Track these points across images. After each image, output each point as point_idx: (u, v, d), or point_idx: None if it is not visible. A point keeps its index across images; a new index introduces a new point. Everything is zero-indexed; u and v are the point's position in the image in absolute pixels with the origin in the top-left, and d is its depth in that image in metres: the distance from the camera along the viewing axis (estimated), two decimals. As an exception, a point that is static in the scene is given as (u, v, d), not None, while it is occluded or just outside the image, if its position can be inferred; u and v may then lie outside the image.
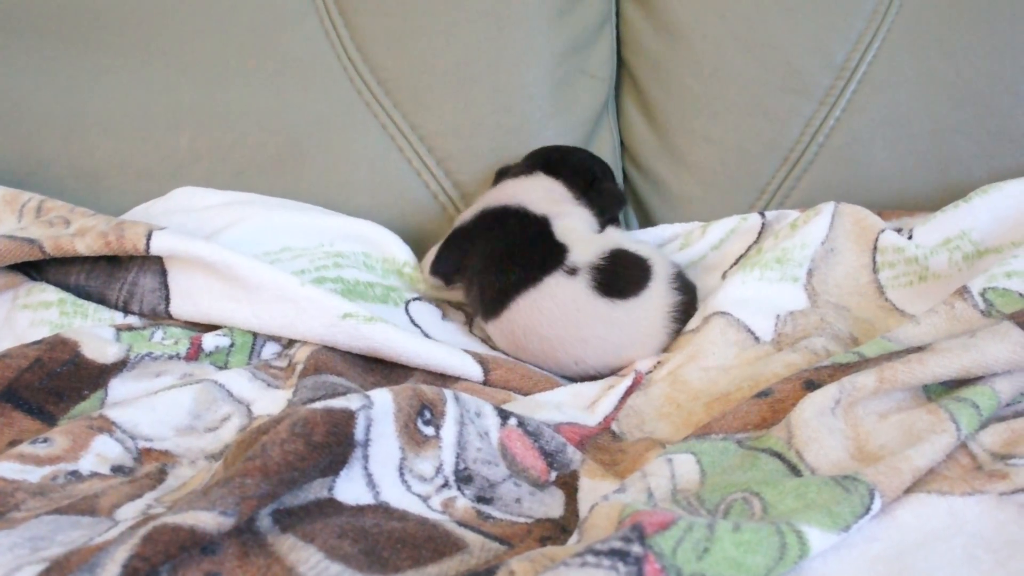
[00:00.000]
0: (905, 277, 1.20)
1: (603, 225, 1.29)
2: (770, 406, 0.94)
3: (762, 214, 1.33)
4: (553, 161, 1.34)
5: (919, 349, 0.94)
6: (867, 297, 1.19)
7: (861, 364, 0.96)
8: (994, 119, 1.35)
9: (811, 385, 0.95)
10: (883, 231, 1.23)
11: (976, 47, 1.36)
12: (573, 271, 1.16)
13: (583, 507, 0.90)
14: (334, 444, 0.83)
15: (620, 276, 1.17)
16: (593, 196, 1.31)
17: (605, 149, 1.51)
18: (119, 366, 1.07)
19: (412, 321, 1.26)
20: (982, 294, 1.05)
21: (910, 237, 1.23)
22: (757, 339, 1.13)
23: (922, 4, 1.38)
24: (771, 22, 1.42)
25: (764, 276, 1.19)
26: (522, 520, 0.88)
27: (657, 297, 1.17)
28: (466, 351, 1.15)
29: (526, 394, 1.12)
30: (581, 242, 1.20)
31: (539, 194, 1.28)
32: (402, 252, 1.35)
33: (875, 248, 1.22)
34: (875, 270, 1.21)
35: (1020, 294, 1.04)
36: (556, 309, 1.15)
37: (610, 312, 1.15)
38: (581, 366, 1.17)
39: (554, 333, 1.15)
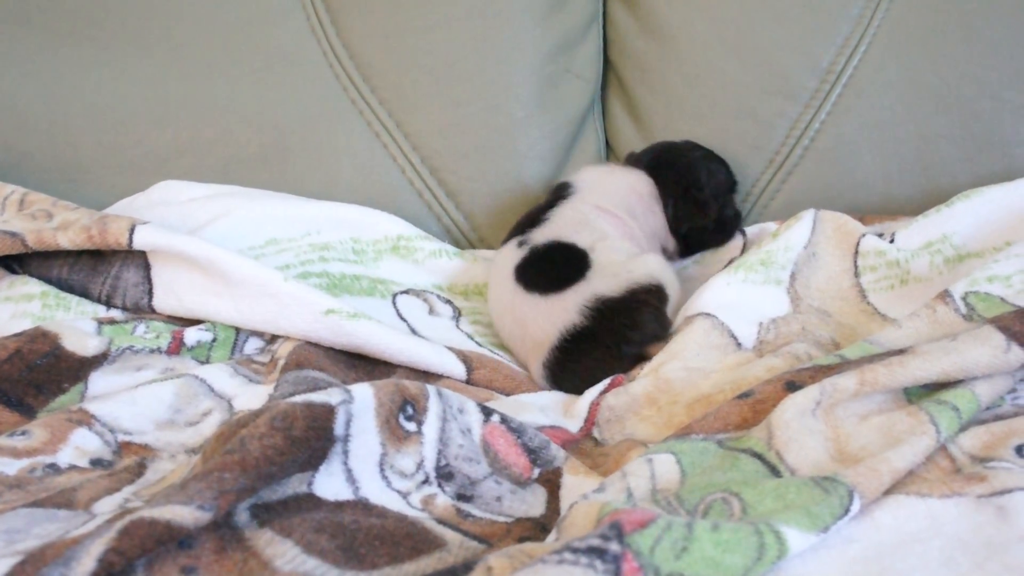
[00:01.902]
0: (886, 281, 1.20)
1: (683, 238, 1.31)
2: (751, 407, 0.94)
3: (743, 232, 1.35)
4: (661, 158, 1.35)
5: (900, 352, 0.94)
6: (849, 301, 1.19)
7: (843, 366, 0.97)
8: (978, 124, 1.36)
9: (792, 386, 0.95)
10: (864, 235, 1.23)
11: (960, 53, 1.36)
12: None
13: (565, 505, 0.90)
14: (313, 439, 0.83)
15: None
16: (680, 204, 1.31)
17: (590, 149, 1.51)
18: (100, 359, 1.07)
19: (399, 315, 1.26)
20: (964, 298, 1.05)
21: (892, 241, 1.23)
22: (739, 345, 1.13)
23: (907, 10, 1.39)
24: (757, 25, 1.42)
25: (748, 278, 1.19)
26: (502, 519, 0.88)
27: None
28: (450, 349, 1.14)
29: (509, 394, 1.12)
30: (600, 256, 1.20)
31: (610, 188, 1.30)
32: (395, 226, 1.35)
33: (856, 252, 1.22)
34: (856, 274, 1.21)
35: (1002, 298, 1.05)
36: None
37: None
38: None
39: None
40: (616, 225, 1.26)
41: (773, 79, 1.42)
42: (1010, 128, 1.35)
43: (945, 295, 1.06)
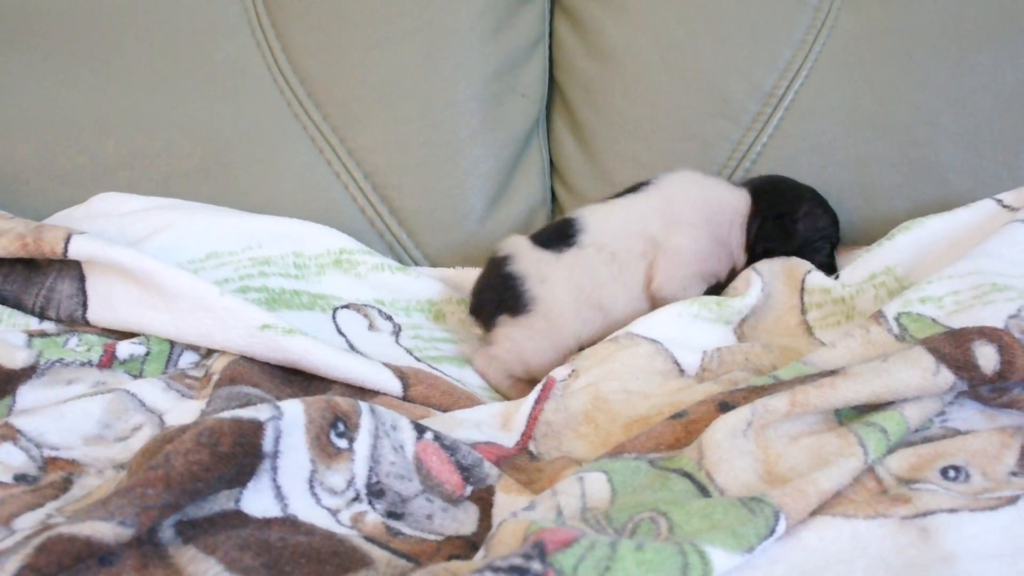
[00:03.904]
0: (833, 317, 1.21)
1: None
2: (684, 427, 0.94)
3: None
4: (769, 182, 1.35)
5: (833, 373, 0.95)
6: (797, 338, 1.20)
7: (776, 386, 0.97)
8: (916, 150, 1.38)
9: (726, 407, 0.95)
10: (809, 272, 1.24)
11: (899, 80, 1.38)
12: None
13: (496, 523, 0.90)
14: (241, 455, 0.82)
15: None
16: (767, 225, 1.31)
17: (534, 168, 1.52)
18: (28, 372, 1.06)
19: (338, 329, 1.25)
20: (897, 319, 1.06)
21: (837, 276, 1.24)
22: (682, 371, 1.13)
23: (849, 36, 1.41)
24: (702, 48, 1.43)
25: (700, 314, 1.19)
26: (432, 537, 0.87)
27: None
28: (387, 365, 1.14)
29: (445, 410, 1.11)
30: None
31: (694, 192, 1.31)
32: (336, 240, 1.34)
33: (803, 289, 1.23)
34: (803, 311, 1.22)
35: (933, 319, 1.06)
36: None
37: None
38: None
39: None
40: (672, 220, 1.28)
41: (716, 102, 1.43)
42: (946, 154, 1.37)
43: (879, 316, 1.07)
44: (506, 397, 1.23)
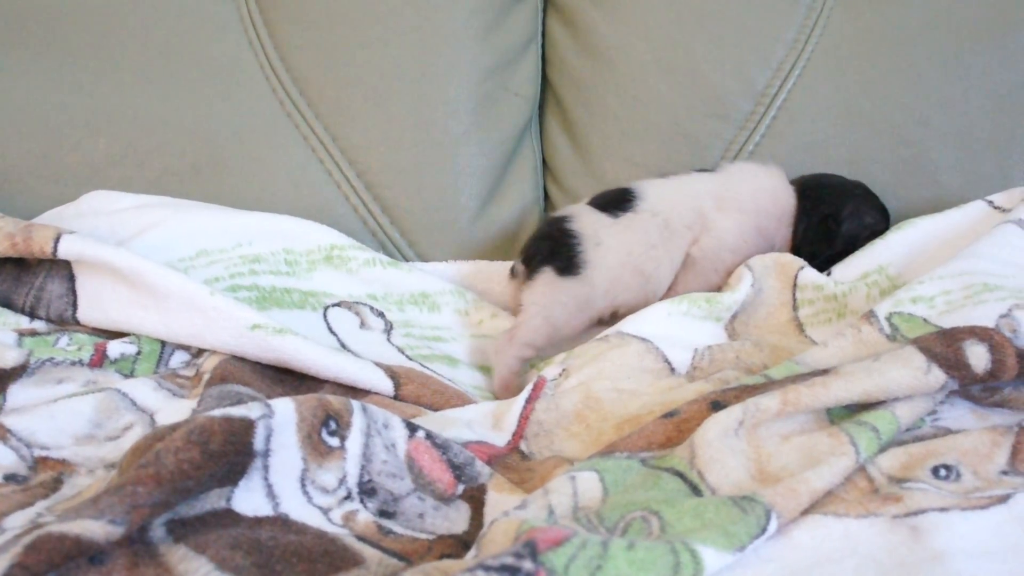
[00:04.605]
0: (824, 314, 1.21)
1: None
2: (676, 426, 0.94)
3: None
4: (817, 181, 1.36)
5: (824, 372, 0.95)
6: (787, 335, 1.20)
7: (768, 386, 0.97)
8: (907, 149, 1.38)
9: (717, 406, 0.95)
10: (802, 268, 1.24)
11: (891, 79, 1.39)
12: None
13: (489, 522, 0.90)
14: (232, 453, 0.82)
15: None
16: (811, 229, 1.31)
17: (527, 167, 1.51)
18: (19, 371, 1.05)
19: (329, 328, 1.25)
20: (888, 318, 1.06)
21: (829, 273, 1.24)
22: (673, 370, 1.13)
23: (841, 35, 1.41)
24: (694, 47, 1.43)
25: (690, 311, 1.20)
26: (423, 536, 0.87)
27: None
28: (378, 364, 1.14)
29: (437, 410, 1.11)
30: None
31: (750, 182, 1.33)
32: (327, 236, 1.34)
33: (795, 286, 1.23)
34: (795, 307, 1.22)
35: (924, 319, 1.06)
36: None
37: None
38: None
39: None
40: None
41: (709, 101, 1.43)
42: (938, 153, 1.37)
43: (870, 315, 1.07)
44: (501, 391, 1.23)
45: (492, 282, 1.40)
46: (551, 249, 1.26)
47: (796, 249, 1.32)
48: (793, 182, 1.35)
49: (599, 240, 1.25)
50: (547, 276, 1.25)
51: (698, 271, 1.28)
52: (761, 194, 1.32)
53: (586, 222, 1.27)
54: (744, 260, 1.29)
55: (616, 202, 1.29)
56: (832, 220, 1.31)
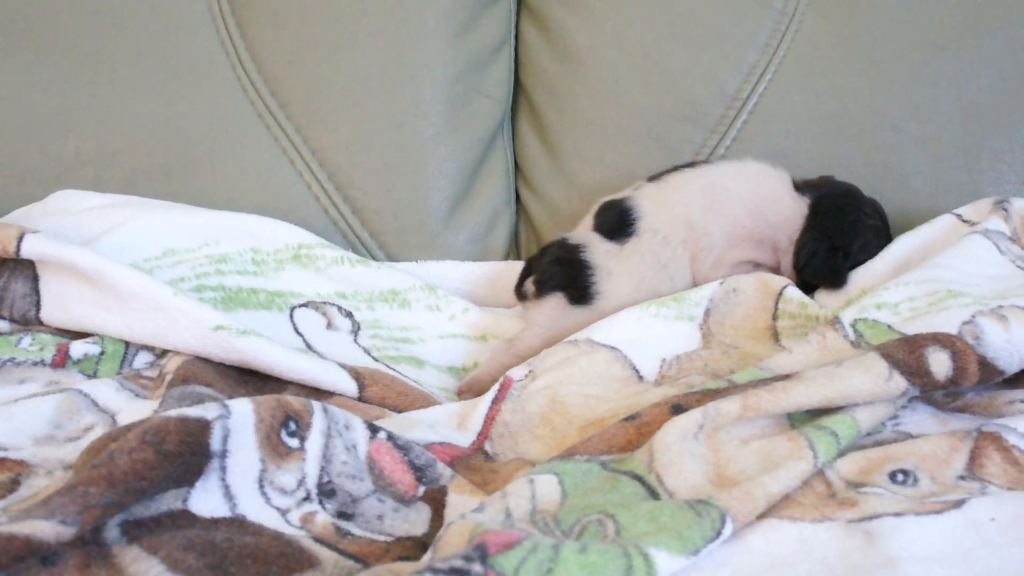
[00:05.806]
0: (802, 329, 1.17)
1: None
2: (636, 429, 0.94)
3: None
4: (831, 202, 1.30)
5: (787, 377, 0.95)
6: (762, 342, 1.18)
7: (730, 390, 0.97)
8: (878, 154, 1.38)
9: (678, 409, 0.95)
10: (787, 286, 1.21)
11: (862, 84, 1.39)
12: None
13: (447, 524, 0.89)
14: (188, 454, 0.81)
15: None
16: (817, 257, 1.26)
17: (498, 170, 1.51)
18: (-21, 371, 1.04)
19: (295, 329, 1.24)
20: (852, 325, 1.07)
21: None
22: (641, 378, 1.13)
23: (813, 41, 1.41)
24: (666, 51, 1.43)
25: (660, 313, 1.19)
26: (382, 538, 0.87)
27: None
28: (343, 366, 1.13)
29: (401, 411, 1.10)
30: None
31: (744, 184, 1.30)
32: (295, 235, 1.33)
33: (780, 296, 1.21)
34: (775, 316, 1.20)
35: (889, 326, 1.06)
36: None
37: None
38: None
39: None
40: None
41: (680, 104, 1.43)
42: (908, 158, 1.38)
43: (835, 322, 1.07)
44: (472, 385, 1.23)
45: (464, 281, 1.41)
46: (566, 276, 1.25)
47: (798, 270, 1.28)
48: (808, 191, 1.30)
49: (610, 270, 1.24)
50: (558, 301, 1.25)
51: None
52: (757, 200, 1.29)
53: (599, 253, 1.25)
54: (745, 264, 1.28)
55: (619, 227, 1.27)
56: (842, 254, 1.26)
